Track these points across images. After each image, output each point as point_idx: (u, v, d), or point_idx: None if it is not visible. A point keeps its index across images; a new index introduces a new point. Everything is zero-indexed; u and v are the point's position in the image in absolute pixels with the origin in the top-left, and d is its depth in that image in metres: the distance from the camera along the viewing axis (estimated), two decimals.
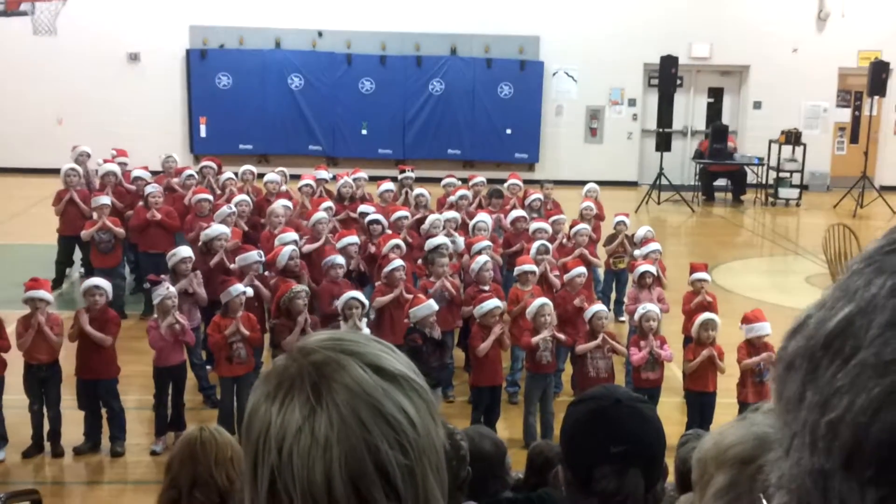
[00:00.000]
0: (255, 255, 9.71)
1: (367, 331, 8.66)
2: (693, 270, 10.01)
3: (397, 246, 10.14)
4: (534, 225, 11.31)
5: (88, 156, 13.79)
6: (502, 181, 14.43)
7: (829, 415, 0.72)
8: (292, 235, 10.37)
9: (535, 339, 8.51)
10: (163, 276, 9.20)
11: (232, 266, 9.86)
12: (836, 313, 0.75)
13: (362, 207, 11.93)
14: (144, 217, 11.73)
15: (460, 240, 10.87)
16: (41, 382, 8.27)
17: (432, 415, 1.25)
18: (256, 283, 9.43)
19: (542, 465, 5.17)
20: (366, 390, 1.20)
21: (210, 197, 11.99)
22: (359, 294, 8.78)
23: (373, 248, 10.69)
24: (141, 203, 12.06)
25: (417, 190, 12.97)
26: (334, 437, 1.16)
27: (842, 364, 0.72)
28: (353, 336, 1.29)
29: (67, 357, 8.51)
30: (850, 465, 0.70)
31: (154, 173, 13.49)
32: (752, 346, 8.19)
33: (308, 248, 10.65)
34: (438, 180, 14.44)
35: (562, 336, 8.77)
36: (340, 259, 9.58)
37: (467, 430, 4.80)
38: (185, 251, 9.73)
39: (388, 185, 13.23)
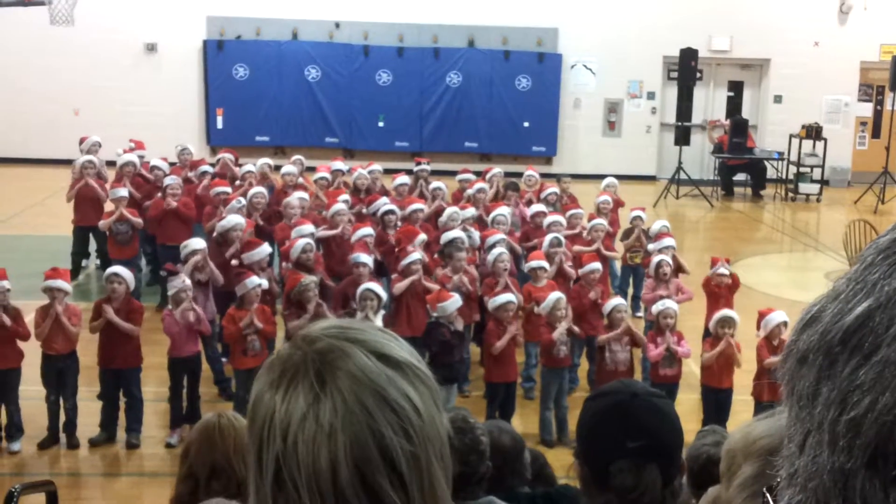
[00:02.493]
0: (261, 252, 9.66)
1: (380, 323, 8.65)
2: (714, 264, 9.99)
3: (423, 241, 10.12)
4: (548, 218, 11.28)
5: (100, 146, 13.83)
6: (519, 175, 14.38)
7: (850, 413, 0.70)
8: (308, 228, 10.35)
9: (555, 335, 8.49)
10: (179, 264, 9.24)
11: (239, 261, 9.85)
12: (854, 307, 0.73)
13: (380, 202, 11.84)
14: (162, 207, 11.75)
15: (476, 234, 10.83)
16: (59, 373, 8.31)
17: (436, 402, 1.26)
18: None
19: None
20: (370, 377, 1.20)
21: (228, 189, 12.02)
22: (376, 286, 8.76)
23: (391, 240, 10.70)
24: (159, 194, 12.08)
25: (435, 183, 12.94)
26: (339, 424, 1.17)
27: (862, 360, 0.71)
28: (357, 324, 1.30)
29: (83, 348, 8.52)
30: (874, 464, 0.69)
31: (170, 165, 13.51)
32: (772, 343, 8.13)
33: (324, 233, 10.70)
34: (455, 173, 14.41)
35: (576, 328, 8.75)
36: (366, 258, 9.50)
37: (486, 424, 4.77)
38: (197, 243, 9.74)
39: (404, 179, 13.19)
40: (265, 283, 8.92)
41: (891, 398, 0.68)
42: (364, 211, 12.02)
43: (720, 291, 9.80)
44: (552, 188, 13.11)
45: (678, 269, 10.32)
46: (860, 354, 0.71)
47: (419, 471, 1.20)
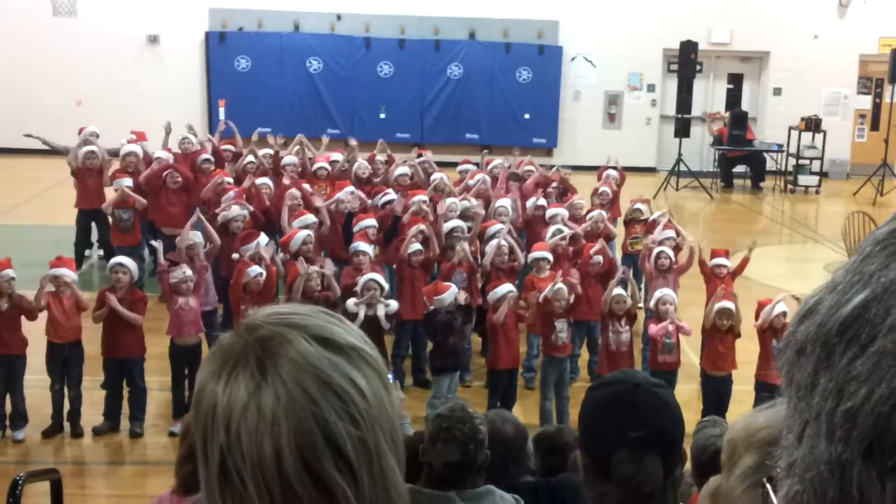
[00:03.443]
0: (257, 242, 9.69)
1: (381, 314, 8.69)
2: (713, 256, 10.01)
3: (421, 231, 10.15)
4: (550, 211, 11.29)
5: (97, 135, 13.84)
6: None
7: (847, 403, 0.70)
8: (309, 219, 10.39)
9: (547, 289, 8.56)
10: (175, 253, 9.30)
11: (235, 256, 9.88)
12: (850, 298, 0.73)
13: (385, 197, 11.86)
14: (158, 174, 12.06)
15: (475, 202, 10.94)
16: (63, 362, 8.33)
17: (385, 384, 1.23)
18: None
19: (544, 451, 5.18)
20: (311, 363, 1.17)
21: (231, 179, 12.04)
22: (378, 276, 8.80)
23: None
24: (154, 165, 12.26)
25: (437, 175, 12.94)
26: (281, 412, 1.14)
27: (859, 351, 0.71)
28: (300, 309, 1.27)
29: (88, 337, 8.56)
30: (871, 454, 0.69)
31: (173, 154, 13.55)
32: (774, 329, 8.18)
33: (324, 203, 10.75)
34: (456, 164, 14.43)
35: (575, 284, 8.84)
36: (366, 247, 9.54)
37: (489, 413, 4.81)
38: (194, 237, 9.75)
39: (404, 170, 13.17)
40: (265, 273, 8.95)
41: (887, 388, 0.68)
42: (369, 202, 12.07)
43: (723, 283, 9.79)
44: (553, 182, 13.09)
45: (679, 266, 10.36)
46: (857, 345, 0.71)
47: (367, 455, 1.17)
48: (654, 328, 8.54)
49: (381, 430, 1.19)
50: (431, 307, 8.58)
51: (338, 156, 14.29)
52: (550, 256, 9.70)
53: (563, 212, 11.19)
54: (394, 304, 8.84)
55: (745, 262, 10.21)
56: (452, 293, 8.55)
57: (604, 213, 11.52)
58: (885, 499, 0.68)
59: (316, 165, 13.24)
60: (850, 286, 0.74)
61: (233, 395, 1.16)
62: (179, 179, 12.11)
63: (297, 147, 14.13)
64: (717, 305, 8.55)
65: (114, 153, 12.96)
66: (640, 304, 10.68)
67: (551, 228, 10.46)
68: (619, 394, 2.32)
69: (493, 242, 9.70)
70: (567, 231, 10.48)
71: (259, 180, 12.02)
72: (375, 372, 1.23)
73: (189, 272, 8.63)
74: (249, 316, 1.25)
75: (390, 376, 4.46)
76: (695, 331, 8.87)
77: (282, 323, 1.21)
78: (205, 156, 13.50)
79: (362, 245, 9.52)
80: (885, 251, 0.74)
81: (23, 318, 8.29)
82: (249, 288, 8.52)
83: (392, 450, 1.21)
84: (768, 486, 0.86)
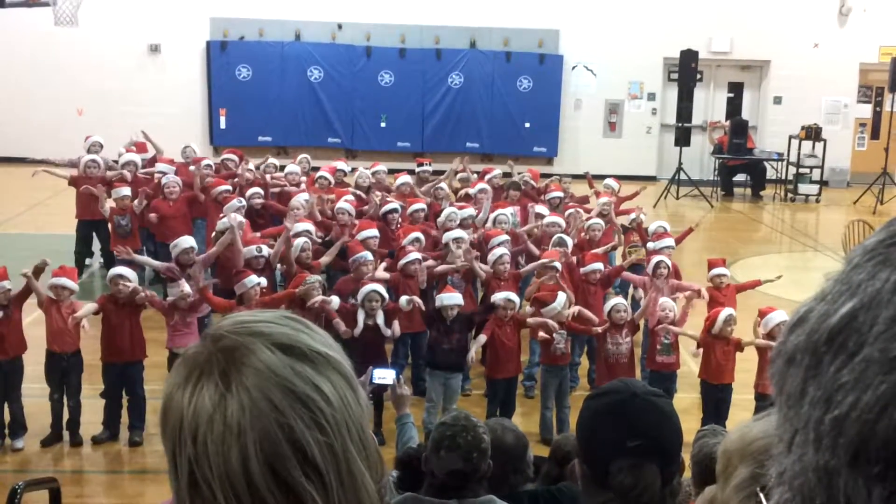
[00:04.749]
0: (252, 249, 9.71)
1: (381, 322, 8.68)
2: (711, 266, 9.99)
3: (417, 239, 10.15)
4: (547, 219, 11.27)
5: (101, 146, 13.87)
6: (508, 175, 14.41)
7: (834, 412, 0.71)
8: (306, 226, 10.39)
9: (534, 321, 8.56)
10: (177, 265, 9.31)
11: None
12: (839, 308, 0.74)
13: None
14: (163, 211, 11.85)
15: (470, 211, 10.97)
16: (62, 372, 8.33)
17: (353, 388, 1.24)
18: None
19: (561, 458, 5.17)
20: (274, 371, 1.18)
21: (230, 188, 12.07)
22: (379, 287, 8.79)
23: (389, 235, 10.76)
24: (161, 196, 12.17)
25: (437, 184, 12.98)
26: (247, 422, 1.15)
27: (846, 360, 0.71)
28: (264, 316, 1.27)
29: (87, 346, 8.56)
30: (857, 462, 0.69)
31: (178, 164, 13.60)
32: (774, 339, 8.18)
33: (327, 259, 10.61)
34: (456, 174, 14.43)
35: (592, 322, 8.81)
36: (370, 256, 9.51)
37: (489, 422, 4.80)
38: (186, 241, 9.77)
39: (406, 178, 13.21)
40: (264, 282, 8.94)
41: (872, 396, 0.68)
42: (366, 209, 12.07)
43: (722, 294, 9.77)
44: (556, 192, 13.07)
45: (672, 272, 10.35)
46: (844, 354, 0.71)
47: (335, 460, 1.18)
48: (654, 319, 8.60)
49: (348, 434, 1.20)
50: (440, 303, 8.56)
51: (341, 165, 14.35)
52: (558, 265, 9.70)
53: (559, 220, 11.18)
54: (396, 328, 8.83)
55: (755, 283, 10.18)
56: (452, 299, 8.51)
57: (601, 221, 11.47)
58: (871, 502, 0.69)
59: (318, 174, 13.24)
60: (838, 296, 0.75)
61: (198, 406, 1.17)
62: (177, 190, 12.10)
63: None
64: (724, 312, 8.52)
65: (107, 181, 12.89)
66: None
67: (554, 238, 10.44)
68: (618, 403, 2.32)
69: (497, 251, 9.69)
70: (569, 240, 10.47)
71: (250, 191, 12.03)
72: (341, 376, 1.23)
73: (187, 288, 8.62)
74: (214, 325, 1.27)
75: (393, 373, 4.44)
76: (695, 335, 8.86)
77: (245, 332, 1.22)
78: (206, 161, 13.57)
79: (368, 255, 9.49)
80: (873, 261, 0.75)
81: (23, 326, 8.29)
82: (248, 297, 8.46)
83: (360, 453, 1.22)
84: (761, 494, 0.87)
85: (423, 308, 8.85)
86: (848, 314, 0.73)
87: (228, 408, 1.16)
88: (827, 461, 0.71)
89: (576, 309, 8.90)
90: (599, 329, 8.62)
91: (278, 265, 9.98)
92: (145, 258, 10.14)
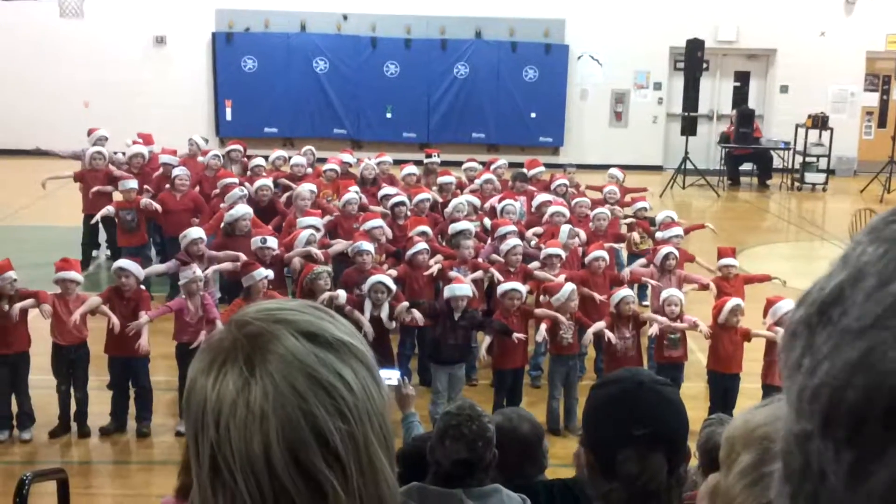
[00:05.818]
0: (258, 240, 9.71)
1: (384, 315, 8.69)
2: (721, 255, 9.97)
3: (424, 231, 10.14)
4: (551, 208, 11.25)
5: (106, 139, 13.89)
6: (520, 164, 14.39)
7: (815, 380, 0.74)
8: (312, 219, 10.38)
9: (541, 312, 8.52)
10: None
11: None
12: (831, 281, 0.76)
13: (385, 189, 11.95)
14: (171, 205, 11.84)
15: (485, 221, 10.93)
16: (70, 363, 8.34)
17: (374, 378, 1.24)
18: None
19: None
20: (299, 358, 1.19)
21: (235, 180, 12.07)
22: (386, 278, 8.78)
23: (397, 231, 10.74)
24: (168, 186, 12.15)
25: (443, 178, 12.95)
26: (269, 408, 1.16)
27: (832, 331, 0.74)
28: (289, 304, 1.28)
29: (94, 338, 8.57)
30: (827, 428, 0.72)
31: (179, 157, 13.59)
32: (782, 327, 8.17)
33: (336, 249, 10.60)
34: (463, 164, 14.43)
35: (601, 326, 8.78)
36: (368, 245, 9.48)
37: (505, 411, 4.78)
38: (195, 232, 9.77)
39: (412, 169, 13.22)
40: (271, 275, 8.95)
41: (840, 363, 0.71)
42: (371, 201, 12.10)
43: (730, 284, 9.74)
44: (561, 179, 13.08)
45: (687, 259, 10.34)
46: (831, 325, 0.74)
47: (356, 449, 1.18)
48: (656, 328, 8.57)
49: (369, 423, 1.21)
50: (448, 295, 8.55)
51: (348, 157, 14.37)
52: (563, 254, 9.69)
53: (564, 210, 11.17)
54: (418, 317, 8.82)
55: (765, 278, 10.13)
56: (463, 290, 8.49)
57: (606, 210, 11.46)
58: (839, 470, 0.72)
59: (326, 167, 13.23)
60: (836, 271, 0.77)
61: (222, 391, 1.18)
62: (187, 185, 12.07)
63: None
64: (731, 302, 8.51)
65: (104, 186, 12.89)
66: (646, 303, 10.69)
67: (564, 228, 10.43)
68: (624, 392, 2.31)
69: (510, 241, 9.68)
70: (581, 232, 10.48)
71: (258, 182, 12.02)
72: (364, 366, 1.24)
73: (199, 272, 8.61)
74: (239, 312, 1.27)
75: (398, 373, 4.44)
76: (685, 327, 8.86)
77: (270, 319, 1.23)
78: (213, 152, 13.59)
79: (365, 244, 9.48)
80: (871, 236, 0.77)
81: (28, 318, 8.29)
82: (255, 290, 8.45)
83: (381, 443, 1.22)
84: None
85: (420, 322, 8.84)
86: (836, 286, 0.76)
87: (252, 393, 1.16)
88: (803, 427, 0.75)
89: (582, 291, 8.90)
90: (602, 326, 8.59)
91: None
92: (152, 268, 10.01)
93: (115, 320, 8.13)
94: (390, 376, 5.72)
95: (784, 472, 0.78)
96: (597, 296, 9.28)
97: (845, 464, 0.71)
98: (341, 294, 8.67)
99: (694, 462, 4.49)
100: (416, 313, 8.75)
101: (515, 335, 8.42)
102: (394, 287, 8.83)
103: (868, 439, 0.70)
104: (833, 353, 0.73)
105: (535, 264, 9.75)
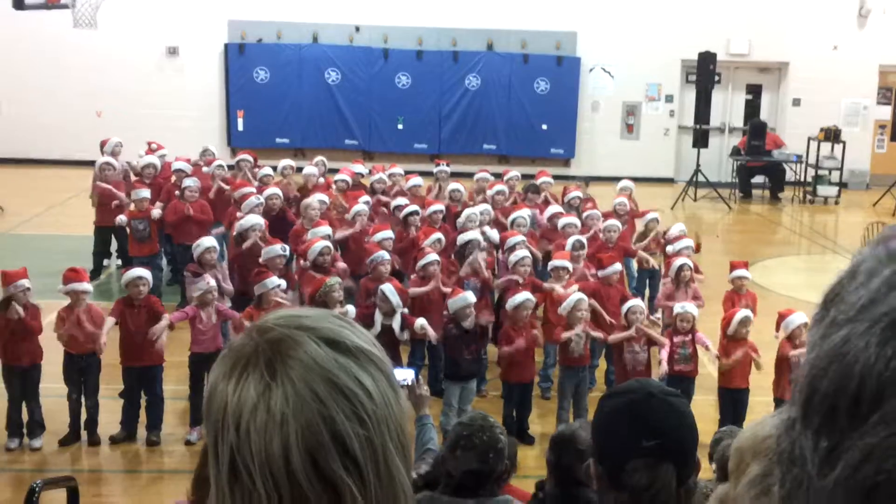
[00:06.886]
0: (278, 248, 9.72)
1: (396, 326, 8.69)
2: (733, 268, 9.94)
3: (438, 240, 10.13)
4: (563, 220, 11.24)
5: (121, 146, 13.94)
6: (532, 176, 14.39)
7: (802, 369, 0.76)
8: (325, 229, 10.39)
9: (564, 335, 8.52)
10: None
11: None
12: (835, 278, 0.79)
13: (397, 200, 11.96)
14: (181, 213, 11.85)
15: (494, 232, 10.89)
16: (81, 372, 8.36)
17: (393, 387, 1.26)
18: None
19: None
20: (320, 364, 1.21)
21: (253, 190, 12.08)
22: (390, 287, 8.80)
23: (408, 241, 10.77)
24: (177, 193, 12.17)
25: (452, 185, 12.97)
26: (290, 412, 1.17)
27: (826, 322, 0.77)
28: (310, 312, 1.30)
29: (105, 348, 8.58)
30: (805, 415, 0.75)
31: (193, 166, 13.63)
32: (794, 344, 8.14)
33: (341, 234, 10.76)
34: (474, 175, 14.43)
35: (599, 334, 8.77)
36: (387, 255, 9.52)
37: (576, 422, 4.73)
38: (208, 241, 9.79)
39: (417, 181, 13.18)
40: (284, 284, 8.94)
41: (820, 352, 0.74)
42: (384, 210, 12.11)
43: (741, 298, 9.70)
44: (575, 192, 13.05)
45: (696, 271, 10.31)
46: (827, 318, 0.77)
47: (374, 454, 1.20)
48: (663, 353, 8.55)
49: (388, 430, 1.23)
50: (448, 312, 8.56)
51: (359, 167, 14.39)
52: (570, 266, 9.68)
53: (575, 221, 11.16)
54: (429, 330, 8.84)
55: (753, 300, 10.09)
56: (464, 299, 8.49)
57: (617, 222, 11.43)
58: (815, 458, 0.74)
59: (337, 177, 13.23)
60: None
61: (243, 395, 1.20)
62: (196, 195, 12.08)
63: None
64: (740, 314, 8.50)
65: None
66: (657, 316, 10.65)
67: (571, 240, 10.42)
68: (634, 403, 2.31)
69: (518, 253, 9.68)
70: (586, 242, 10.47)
71: (268, 191, 12.03)
72: (383, 373, 1.26)
73: (212, 282, 8.63)
74: (261, 318, 1.29)
75: (412, 372, 4.45)
76: (712, 339, 8.84)
77: (292, 325, 1.25)
78: (218, 162, 13.61)
79: (386, 255, 9.50)
80: (875, 238, 0.80)
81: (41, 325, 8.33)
82: (267, 299, 8.46)
83: (399, 450, 1.24)
84: None
85: (433, 339, 8.87)
86: (837, 282, 0.79)
87: (273, 398, 1.18)
88: (790, 414, 0.78)
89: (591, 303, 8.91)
90: (612, 337, 8.60)
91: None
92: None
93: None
94: (405, 376, 5.69)
95: (777, 456, 0.80)
96: (604, 314, 9.27)
97: (821, 451, 0.73)
98: (350, 309, 8.66)
99: (704, 475, 4.48)
100: (429, 329, 8.76)
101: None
102: (396, 299, 8.79)
103: (838, 427, 0.72)
104: (819, 344, 0.75)
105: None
